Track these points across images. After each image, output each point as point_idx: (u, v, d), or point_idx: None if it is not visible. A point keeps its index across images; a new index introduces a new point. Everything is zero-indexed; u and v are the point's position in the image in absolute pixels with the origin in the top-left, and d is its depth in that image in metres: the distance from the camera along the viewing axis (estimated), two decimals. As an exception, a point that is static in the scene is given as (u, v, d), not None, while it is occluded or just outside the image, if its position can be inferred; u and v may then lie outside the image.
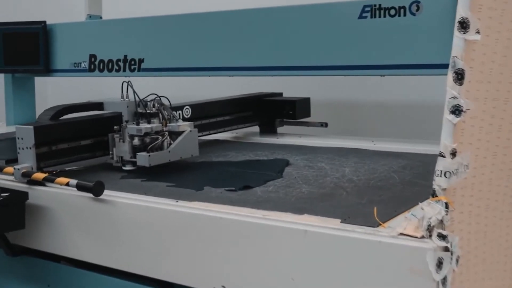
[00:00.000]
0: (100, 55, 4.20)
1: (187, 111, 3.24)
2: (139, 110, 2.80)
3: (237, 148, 3.33)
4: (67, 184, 2.36)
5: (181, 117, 3.19)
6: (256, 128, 3.89)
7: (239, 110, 3.71)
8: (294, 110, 3.75)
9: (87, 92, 5.38)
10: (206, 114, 3.43)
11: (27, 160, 2.59)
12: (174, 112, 2.92)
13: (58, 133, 2.72)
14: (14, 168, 2.56)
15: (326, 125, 3.72)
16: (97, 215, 2.34)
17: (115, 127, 2.75)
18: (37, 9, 5.43)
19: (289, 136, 3.70)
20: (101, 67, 4.19)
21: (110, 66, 4.14)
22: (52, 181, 2.44)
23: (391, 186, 2.37)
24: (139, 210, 2.24)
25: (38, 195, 2.49)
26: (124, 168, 2.73)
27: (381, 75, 3.16)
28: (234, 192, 2.35)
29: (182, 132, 2.77)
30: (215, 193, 2.35)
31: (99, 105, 2.95)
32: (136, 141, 2.69)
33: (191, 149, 2.81)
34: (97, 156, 2.86)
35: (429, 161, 2.81)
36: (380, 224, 1.85)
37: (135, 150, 2.69)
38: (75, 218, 2.43)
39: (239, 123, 3.70)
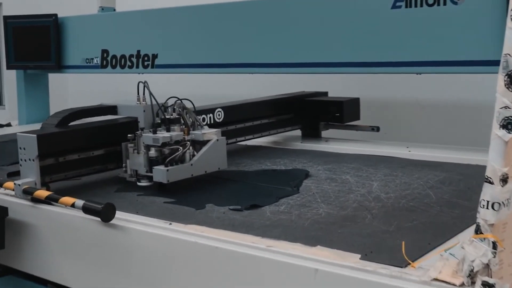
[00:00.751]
0: (112, 50, 3.92)
1: (219, 114, 2.87)
2: (158, 115, 2.41)
3: (256, 155, 2.98)
4: (73, 206, 2.03)
5: (211, 121, 2.81)
6: (298, 132, 3.45)
7: (278, 112, 3.27)
8: (342, 112, 3.29)
9: (113, 90, 5.09)
10: (241, 117, 3.03)
11: (30, 174, 2.24)
12: (199, 118, 2.56)
13: (66, 143, 2.34)
14: (15, 184, 2.21)
15: (377, 129, 3.25)
16: (84, 237, 2.03)
17: (128, 135, 2.36)
18: (47, 2, 5.13)
19: (336, 141, 3.24)
20: (114, 63, 3.92)
21: (122, 62, 3.87)
22: (56, 200, 2.09)
23: (425, 207, 1.99)
24: (128, 233, 1.92)
25: (39, 214, 2.17)
26: (139, 184, 2.33)
27: (417, 73, 2.77)
28: (239, 212, 2.01)
29: (208, 141, 2.38)
30: (217, 213, 2.01)
31: (112, 109, 2.56)
32: (152, 152, 2.29)
33: (217, 162, 2.41)
34: (109, 169, 2.48)
35: (470, 173, 2.43)
36: (409, 264, 1.48)
37: (151, 163, 2.30)
38: (64, 239, 2.12)
39: (278, 127, 3.26)
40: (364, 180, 2.39)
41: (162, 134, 2.29)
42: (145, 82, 2.40)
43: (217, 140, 2.40)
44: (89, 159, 2.39)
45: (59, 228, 2.12)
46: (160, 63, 3.68)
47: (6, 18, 4.25)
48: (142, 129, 2.34)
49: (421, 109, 4.03)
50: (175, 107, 2.38)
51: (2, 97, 5.77)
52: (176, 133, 2.32)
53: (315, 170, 2.59)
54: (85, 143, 2.40)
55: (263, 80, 3.89)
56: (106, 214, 1.92)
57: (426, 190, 2.20)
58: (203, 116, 2.77)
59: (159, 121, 2.38)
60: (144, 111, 2.41)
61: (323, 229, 1.80)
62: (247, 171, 2.63)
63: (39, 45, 4.18)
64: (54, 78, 4.61)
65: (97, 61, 3.99)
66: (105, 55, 3.95)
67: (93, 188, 2.38)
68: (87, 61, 4.05)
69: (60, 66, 4.18)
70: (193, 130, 2.42)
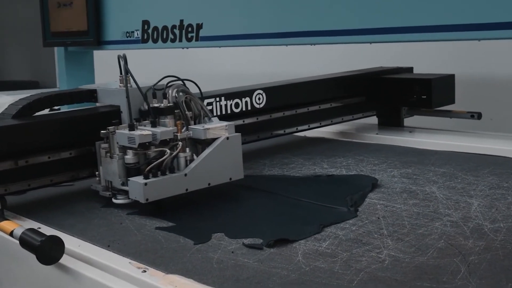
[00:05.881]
0: (154, 21, 3.29)
1: (259, 98, 2.15)
2: (144, 103, 1.72)
3: (312, 151, 2.24)
4: (11, 234, 1.40)
5: (248, 108, 2.11)
6: (373, 120, 2.65)
7: (345, 94, 2.48)
8: (430, 94, 2.43)
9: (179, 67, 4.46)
10: (290, 101, 2.28)
11: None
12: (207, 107, 1.87)
13: (27, 140, 1.70)
14: None
15: (479, 116, 2.40)
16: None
17: (101, 132, 1.68)
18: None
19: (422, 132, 2.44)
20: (155, 36, 3.30)
21: (164, 35, 3.24)
22: None
23: (561, 253, 1.21)
24: (77, 283, 1.26)
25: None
26: (114, 200, 1.68)
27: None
28: (258, 250, 1.30)
29: (213, 140, 1.68)
30: (223, 251, 1.31)
31: (89, 94, 1.89)
32: (129, 157, 1.63)
33: (228, 170, 1.69)
34: (80, 177, 1.80)
35: None
36: None
37: (128, 172, 1.65)
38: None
39: (345, 114, 2.47)
40: (459, 195, 1.61)
41: (142, 131, 1.61)
42: (123, 54, 1.71)
43: (227, 138, 1.68)
44: (53, 164, 1.73)
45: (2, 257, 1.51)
46: (206, 34, 3.02)
47: (40, -12, 3.72)
48: (117, 123, 1.67)
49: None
50: (169, 91, 1.70)
51: (56, 79, 5.35)
52: (165, 128, 1.63)
53: (388, 176, 1.84)
54: (54, 140, 1.74)
55: (330, 54, 3.13)
56: (45, 253, 1.27)
57: (558, 217, 1.40)
58: (237, 100, 2.07)
59: (146, 112, 1.70)
60: (126, 96, 1.72)
61: (381, 294, 1.07)
62: (290, 176, 1.91)
63: (76, 19, 3.63)
64: (105, 55, 4.04)
65: (137, 34, 3.38)
66: (145, 27, 3.33)
67: (75, 202, 1.74)
68: (127, 34, 3.45)
69: (99, 42, 3.61)
70: (199, 123, 1.73)
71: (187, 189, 1.62)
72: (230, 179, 1.71)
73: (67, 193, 1.84)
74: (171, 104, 1.71)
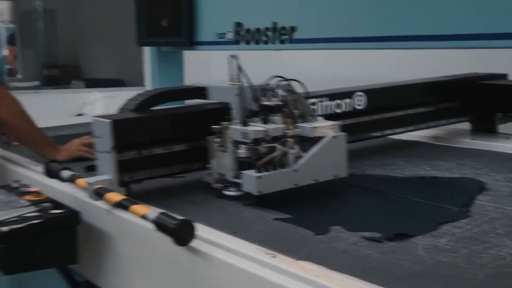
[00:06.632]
0: (246, 22, 3.40)
1: (359, 100, 2.22)
2: (254, 101, 1.83)
3: (410, 154, 2.28)
4: (144, 217, 1.52)
5: (348, 109, 2.18)
6: (464, 125, 2.67)
7: (440, 98, 2.51)
8: None
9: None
10: (389, 104, 2.34)
11: (106, 170, 1.76)
12: (313, 106, 1.97)
13: (149, 132, 1.83)
14: (88, 182, 1.74)
15: None
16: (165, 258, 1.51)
17: (213, 127, 1.79)
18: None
19: None
20: (247, 38, 3.40)
21: (257, 37, 3.33)
22: (127, 207, 1.58)
23: None
24: (210, 265, 1.36)
25: (115, 222, 1.69)
26: (225, 192, 1.78)
27: None
28: (378, 243, 1.37)
29: (320, 138, 1.75)
30: (344, 243, 1.38)
31: (200, 91, 2.01)
32: (242, 151, 1.72)
33: (334, 167, 1.76)
34: (191, 170, 1.91)
35: None
36: None
37: (241, 165, 1.73)
38: (140, 255, 1.62)
39: (439, 118, 2.50)
40: None
41: (255, 127, 1.70)
42: (236, 55, 1.81)
43: (334, 137, 1.75)
44: (169, 156, 1.84)
45: (135, 241, 1.62)
46: (300, 37, 3.09)
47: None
48: (229, 120, 1.77)
49: None
50: (277, 91, 1.78)
51: (143, 77, 5.53)
52: (275, 125, 1.72)
53: (492, 180, 1.86)
54: (169, 134, 1.86)
55: (422, 59, 3.15)
56: (180, 235, 1.38)
57: None
58: (338, 101, 2.14)
59: (257, 109, 1.79)
60: (238, 94, 1.82)
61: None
62: (395, 177, 1.96)
63: (170, 19, 3.78)
64: (196, 55, 4.18)
65: (230, 36, 3.50)
66: (238, 28, 3.44)
67: (190, 192, 1.85)
68: (220, 36, 3.57)
69: (192, 43, 3.74)
70: (304, 121, 1.80)
71: (295, 184, 1.71)
72: (335, 176, 1.78)
73: (180, 184, 1.94)
74: (280, 103, 1.80)
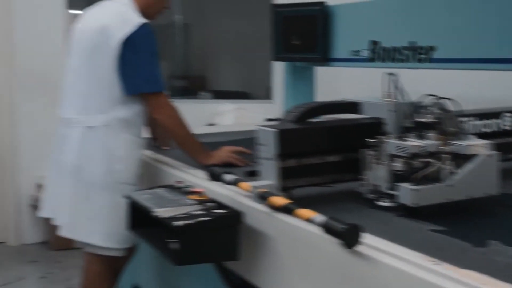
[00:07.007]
0: (383, 41, 3.46)
1: (507, 120, 2.27)
2: (410, 117, 1.93)
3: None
4: (309, 220, 1.64)
5: (493, 130, 2.24)
6: None
7: None
8: None
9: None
10: None
11: (268, 175, 1.92)
12: (465, 124, 2.03)
13: (308, 142, 1.96)
14: (252, 186, 1.89)
15: None
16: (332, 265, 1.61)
17: (368, 140, 1.90)
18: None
19: None
20: (383, 56, 3.46)
21: (393, 55, 3.39)
22: (291, 211, 1.72)
23: None
24: (377, 268, 1.45)
25: (277, 225, 1.83)
26: (377, 203, 1.88)
27: None
28: (539, 259, 1.41)
29: (473, 156, 1.82)
30: (504, 256, 1.43)
31: (353, 106, 2.13)
32: (397, 164, 1.81)
33: (485, 184, 1.83)
34: (345, 180, 2.03)
35: None
36: None
37: (395, 178, 1.82)
38: (301, 258, 1.74)
39: None
40: None
41: (412, 142, 1.79)
42: (393, 73, 1.90)
43: (488, 155, 1.81)
44: (326, 165, 1.97)
45: (296, 243, 1.74)
46: (440, 57, 3.12)
47: (275, 6, 4.07)
48: (385, 134, 1.86)
49: None
50: (431, 108, 1.84)
51: (271, 91, 5.71)
52: (430, 141, 1.81)
53: None
54: (325, 145, 1.98)
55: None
56: (348, 239, 1.48)
57: None
58: (483, 121, 2.17)
59: (411, 125, 1.87)
60: (393, 110, 1.91)
61: None
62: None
63: (305, 36, 3.91)
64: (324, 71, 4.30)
65: (365, 53, 3.57)
66: (374, 46, 3.51)
67: (341, 201, 1.95)
68: (354, 53, 3.66)
69: (326, 59, 3.85)
70: (457, 140, 1.86)
71: (449, 199, 1.77)
72: (485, 193, 1.82)
73: (328, 193, 2.05)
74: (435, 120, 1.87)
